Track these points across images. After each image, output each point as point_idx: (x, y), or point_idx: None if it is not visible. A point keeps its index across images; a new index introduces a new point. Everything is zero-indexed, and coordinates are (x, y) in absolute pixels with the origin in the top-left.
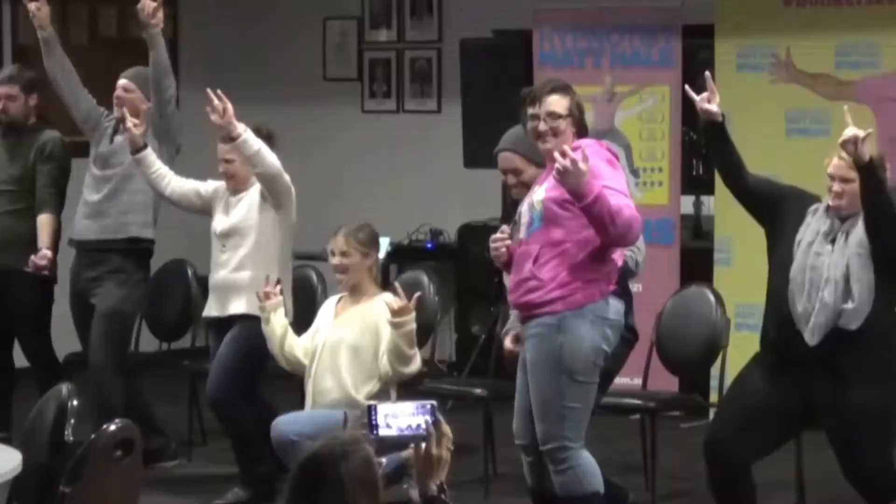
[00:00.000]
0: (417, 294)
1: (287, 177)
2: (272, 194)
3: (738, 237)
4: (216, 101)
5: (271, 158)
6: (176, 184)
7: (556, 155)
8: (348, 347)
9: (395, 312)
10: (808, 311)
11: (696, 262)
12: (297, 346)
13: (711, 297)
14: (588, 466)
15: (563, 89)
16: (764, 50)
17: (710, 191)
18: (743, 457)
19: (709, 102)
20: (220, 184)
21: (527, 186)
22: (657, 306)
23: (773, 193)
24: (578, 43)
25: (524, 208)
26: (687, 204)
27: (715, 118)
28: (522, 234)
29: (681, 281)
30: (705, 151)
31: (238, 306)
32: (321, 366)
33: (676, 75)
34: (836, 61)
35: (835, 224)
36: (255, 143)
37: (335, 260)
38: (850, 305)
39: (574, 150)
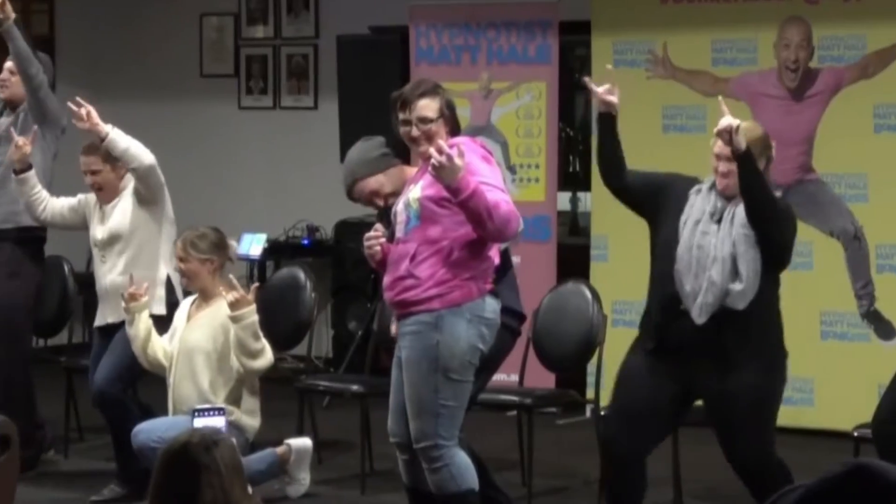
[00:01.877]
0: (256, 285)
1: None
2: (147, 189)
3: (615, 233)
4: (76, 109)
5: (143, 152)
6: (50, 205)
7: (432, 150)
8: (201, 352)
9: (232, 305)
10: (695, 290)
11: (573, 258)
12: (158, 349)
13: (588, 294)
14: (462, 465)
15: (433, 92)
16: (640, 46)
17: (586, 187)
18: (636, 449)
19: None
20: (90, 195)
21: (395, 194)
22: (534, 303)
23: (651, 183)
24: (455, 39)
25: (400, 207)
26: (563, 200)
27: (613, 110)
28: (399, 232)
29: (557, 277)
30: (586, 147)
31: None
32: (179, 373)
33: (553, 72)
34: (713, 57)
35: (719, 203)
36: (124, 141)
37: (175, 264)
38: (737, 286)
39: (450, 147)
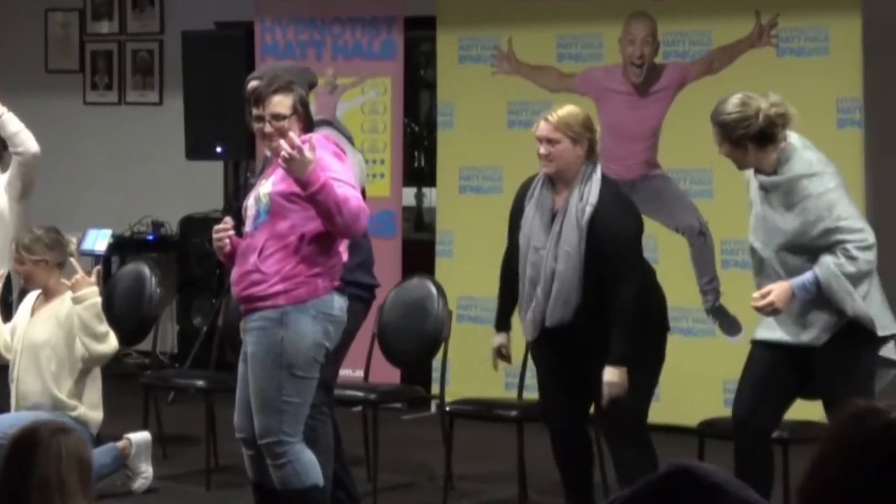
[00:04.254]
0: (97, 267)
1: None
2: (26, 178)
3: (460, 229)
4: None
5: (32, 140)
6: None
7: (282, 142)
8: (46, 347)
9: (73, 286)
10: (527, 307)
11: (418, 253)
12: None
13: (433, 289)
14: (306, 461)
15: (287, 88)
16: (485, 42)
17: (431, 182)
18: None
19: None
20: None
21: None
22: (379, 298)
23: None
24: (300, 35)
25: (251, 201)
26: (409, 196)
27: None
28: (248, 226)
29: (402, 273)
30: (431, 142)
31: None
32: (23, 368)
33: (398, 67)
34: (558, 53)
35: (547, 201)
36: (16, 124)
37: (13, 265)
38: (549, 303)
39: (302, 142)
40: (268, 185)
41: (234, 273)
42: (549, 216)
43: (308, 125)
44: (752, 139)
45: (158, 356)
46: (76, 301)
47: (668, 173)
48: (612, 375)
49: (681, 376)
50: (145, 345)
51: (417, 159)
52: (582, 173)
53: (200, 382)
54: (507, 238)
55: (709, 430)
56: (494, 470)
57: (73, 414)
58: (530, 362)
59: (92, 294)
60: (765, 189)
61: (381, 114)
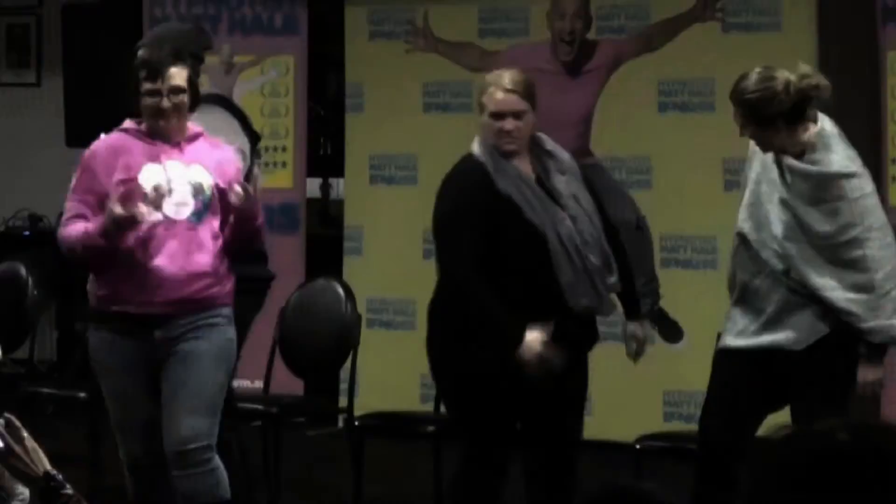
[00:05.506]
0: None
1: None
2: None
3: (371, 224)
4: None
5: None
6: None
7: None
8: None
9: None
10: (582, 282)
11: (324, 251)
12: None
13: (341, 291)
14: (223, 471)
15: (181, 58)
16: (399, 16)
17: (339, 172)
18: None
19: None
20: None
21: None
22: (280, 301)
23: (480, 236)
24: (193, 7)
25: (179, 185)
26: (313, 187)
27: None
28: (181, 214)
29: (306, 273)
30: (339, 127)
31: None
32: None
33: (302, 44)
34: (480, 28)
35: (521, 173)
36: None
37: None
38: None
39: (197, 136)
40: (202, 174)
41: (169, 270)
42: (536, 185)
43: (195, 100)
44: (784, 117)
45: (36, 365)
46: None
47: (603, 162)
48: (638, 329)
49: (617, 388)
50: (22, 352)
51: (323, 146)
52: (537, 135)
53: (83, 394)
54: (471, 243)
55: (647, 446)
56: (409, 491)
57: None
58: None
59: None
60: (789, 171)
61: (283, 96)
